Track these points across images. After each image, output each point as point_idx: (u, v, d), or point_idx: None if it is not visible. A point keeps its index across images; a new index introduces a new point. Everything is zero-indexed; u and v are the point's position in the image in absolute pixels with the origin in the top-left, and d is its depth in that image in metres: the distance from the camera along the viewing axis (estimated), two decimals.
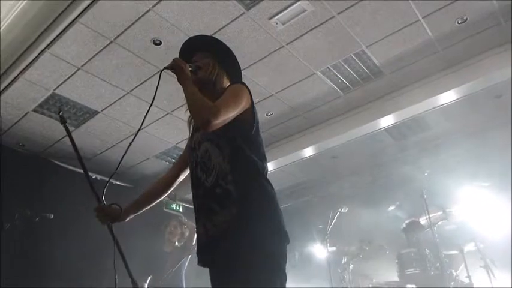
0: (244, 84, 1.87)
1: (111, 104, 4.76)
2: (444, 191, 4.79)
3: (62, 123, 2.03)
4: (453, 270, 4.21)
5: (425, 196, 4.46)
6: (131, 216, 2.00)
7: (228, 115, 1.69)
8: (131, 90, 4.55)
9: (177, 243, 4.77)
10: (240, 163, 1.74)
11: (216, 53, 2.03)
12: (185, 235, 4.81)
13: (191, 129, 2.03)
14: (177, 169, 2.08)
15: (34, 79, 4.21)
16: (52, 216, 4.30)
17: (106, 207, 1.93)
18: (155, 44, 3.91)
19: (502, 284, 4.10)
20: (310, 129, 5.50)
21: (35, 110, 4.72)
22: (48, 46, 3.81)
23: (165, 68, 1.86)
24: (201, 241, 1.76)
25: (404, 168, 5.58)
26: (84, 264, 4.63)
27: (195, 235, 1.82)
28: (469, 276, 4.10)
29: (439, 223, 4.51)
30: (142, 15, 3.59)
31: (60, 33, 3.69)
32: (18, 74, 4.11)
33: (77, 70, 4.17)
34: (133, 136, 2.02)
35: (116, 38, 3.82)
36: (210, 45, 2.09)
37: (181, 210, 6.85)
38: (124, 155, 2.01)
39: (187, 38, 3.85)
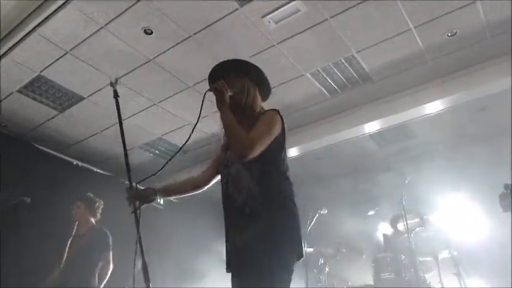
0: (277, 111, 2.01)
1: (98, 91, 4.70)
2: (423, 199, 4.87)
3: (114, 97, 2.26)
4: (426, 276, 4.30)
5: (404, 203, 4.53)
6: (159, 199, 2.20)
7: (262, 147, 1.85)
8: (119, 78, 4.50)
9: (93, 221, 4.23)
10: (268, 186, 1.90)
11: (249, 75, 2.14)
12: (91, 218, 4.24)
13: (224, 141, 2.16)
14: (209, 175, 2.27)
15: (20, 59, 4.14)
16: (29, 201, 4.23)
17: (137, 190, 2.15)
18: (146, 33, 3.88)
19: None
20: (295, 130, 5.51)
21: (19, 91, 4.63)
22: (37, 27, 3.74)
23: (208, 90, 1.99)
24: (229, 252, 1.94)
25: (386, 175, 5.65)
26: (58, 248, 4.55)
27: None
28: (441, 282, 4.19)
29: (416, 229, 4.59)
30: (135, 3, 3.56)
31: (50, 15, 3.63)
32: (4, 53, 4.03)
33: (65, 54, 4.11)
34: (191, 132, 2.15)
35: (106, 24, 3.78)
36: (243, 68, 2.18)
37: (162, 203, 6.80)
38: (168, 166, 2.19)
39: (179, 29, 3.89)
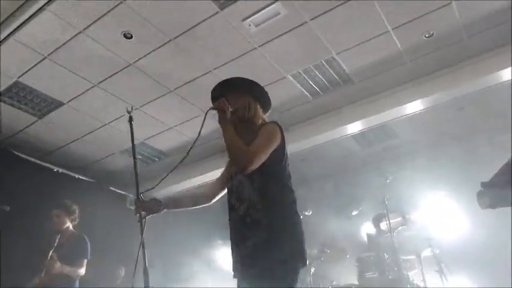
0: (276, 123, 2.13)
1: (77, 96, 4.64)
2: (405, 198, 4.94)
3: (128, 121, 2.51)
4: (409, 274, 4.36)
5: (386, 202, 4.58)
6: (164, 211, 2.34)
7: (262, 159, 1.94)
8: (99, 83, 4.45)
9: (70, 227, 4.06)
10: (269, 196, 1.98)
11: (248, 90, 2.25)
12: (71, 225, 4.08)
13: None
14: (214, 190, 2.37)
15: None
16: (8, 209, 4.14)
17: (143, 201, 2.31)
18: (126, 37, 3.85)
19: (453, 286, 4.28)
20: None
21: None
22: (13, 32, 3.67)
23: (211, 108, 2.13)
24: (234, 260, 2.04)
25: (369, 174, 5.71)
26: (39, 258, 4.46)
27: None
28: (424, 280, 4.26)
29: (399, 228, 4.64)
30: (114, 7, 3.52)
31: (26, 20, 3.57)
32: None
33: (43, 59, 4.05)
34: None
35: (85, 29, 3.73)
36: (243, 85, 2.28)
37: None
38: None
39: (159, 33, 3.87)
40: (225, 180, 2.30)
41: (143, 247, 2.23)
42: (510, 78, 4.22)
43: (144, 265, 2.19)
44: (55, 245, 3.77)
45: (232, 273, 2.06)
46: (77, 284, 3.87)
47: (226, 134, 2.02)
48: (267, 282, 1.82)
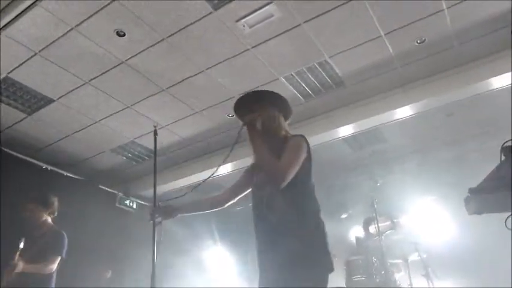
0: (302, 136, 2.21)
1: (68, 93, 4.60)
2: (394, 202, 4.97)
3: (154, 134, 2.78)
4: (397, 278, 4.39)
5: (375, 206, 4.61)
6: (178, 215, 2.48)
7: (293, 174, 2.02)
8: (90, 80, 4.42)
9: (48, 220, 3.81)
10: (298, 205, 2.06)
11: (272, 103, 2.34)
12: (49, 218, 3.82)
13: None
14: (229, 196, 2.49)
15: None
16: None
17: (158, 207, 2.45)
18: (119, 35, 3.82)
19: None
20: None
21: None
22: (3, 27, 3.63)
23: (243, 125, 2.23)
24: (262, 266, 2.10)
25: (359, 178, 5.73)
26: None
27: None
28: (410, 284, 4.29)
29: (387, 232, 4.67)
30: (107, 5, 3.50)
31: (18, 15, 3.53)
32: None
33: (34, 55, 4.01)
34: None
35: (77, 26, 3.70)
36: (267, 98, 2.38)
37: (134, 206, 6.71)
38: None
39: (152, 31, 3.85)
40: (240, 188, 2.44)
41: (153, 249, 2.36)
42: (500, 86, 4.28)
43: (152, 267, 2.31)
44: (20, 247, 3.56)
45: (259, 278, 2.10)
46: (53, 284, 3.63)
47: (258, 150, 2.13)
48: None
